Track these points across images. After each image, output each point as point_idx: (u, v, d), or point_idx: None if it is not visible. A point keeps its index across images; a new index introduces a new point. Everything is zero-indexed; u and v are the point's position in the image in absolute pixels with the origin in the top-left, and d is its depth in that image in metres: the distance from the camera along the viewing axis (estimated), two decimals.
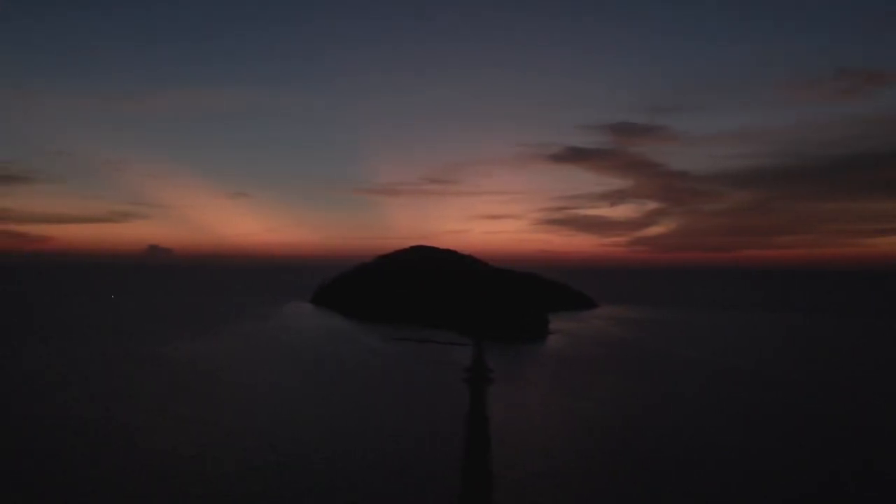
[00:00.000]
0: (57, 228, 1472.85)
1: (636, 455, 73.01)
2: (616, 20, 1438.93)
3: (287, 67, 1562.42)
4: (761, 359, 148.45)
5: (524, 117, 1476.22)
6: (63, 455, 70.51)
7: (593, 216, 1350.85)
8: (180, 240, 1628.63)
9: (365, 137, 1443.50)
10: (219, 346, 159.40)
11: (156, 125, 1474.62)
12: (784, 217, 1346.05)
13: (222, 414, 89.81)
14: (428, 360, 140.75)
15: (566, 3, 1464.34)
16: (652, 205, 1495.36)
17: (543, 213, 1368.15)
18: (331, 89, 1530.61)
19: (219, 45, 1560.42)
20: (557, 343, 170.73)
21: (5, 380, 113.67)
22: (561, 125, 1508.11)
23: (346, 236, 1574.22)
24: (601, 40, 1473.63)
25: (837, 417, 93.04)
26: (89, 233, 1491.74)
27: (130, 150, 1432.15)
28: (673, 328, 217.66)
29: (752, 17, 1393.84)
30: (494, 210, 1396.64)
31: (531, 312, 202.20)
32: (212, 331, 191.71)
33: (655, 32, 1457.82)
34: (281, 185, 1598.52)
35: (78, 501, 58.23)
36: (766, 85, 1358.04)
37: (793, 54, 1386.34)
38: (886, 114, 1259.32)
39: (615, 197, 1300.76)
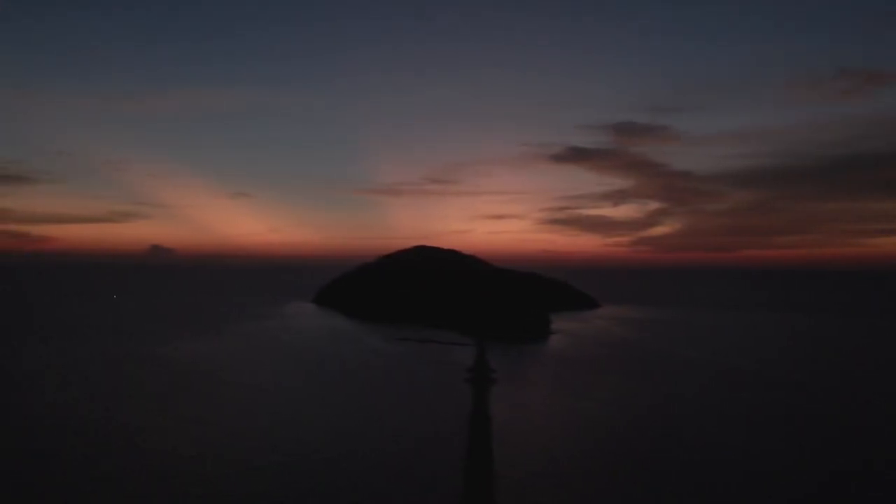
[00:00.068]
0: (58, 228, 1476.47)
1: (638, 455, 72.69)
2: (616, 20, 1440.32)
3: (287, 67, 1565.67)
4: (763, 359, 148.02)
5: (525, 117, 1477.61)
6: (63, 455, 70.31)
7: (595, 216, 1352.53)
8: (182, 240, 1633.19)
9: (365, 137, 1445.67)
10: (220, 346, 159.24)
11: (156, 125, 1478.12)
12: (786, 217, 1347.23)
13: (223, 414, 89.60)
14: (430, 360, 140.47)
15: (566, 3, 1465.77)
16: (654, 205, 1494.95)
17: (546, 213, 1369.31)
18: (331, 89, 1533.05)
19: (219, 45, 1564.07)
20: (559, 343, 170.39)
21: (5, 379, 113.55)
22: (562, 125, 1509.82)
23: (348, 236, 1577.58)
24: (601, 40, 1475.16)
25: (839, 418, 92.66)
26: (90, 233, 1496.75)
27: (131, 150, 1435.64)
28: (675, 328, 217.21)
29: (753, 17, 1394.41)
30: (497, 210, 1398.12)
31: (533, 312, 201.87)
32: (213, 331, 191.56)
33: (655, 32, 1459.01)
34: (282, 185, 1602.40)
35: (78, 501, 58.02)
36: (767, 85, 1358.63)
37: (793, 54, 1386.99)
38: (887, 114, 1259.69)
39: (617, 197, 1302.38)
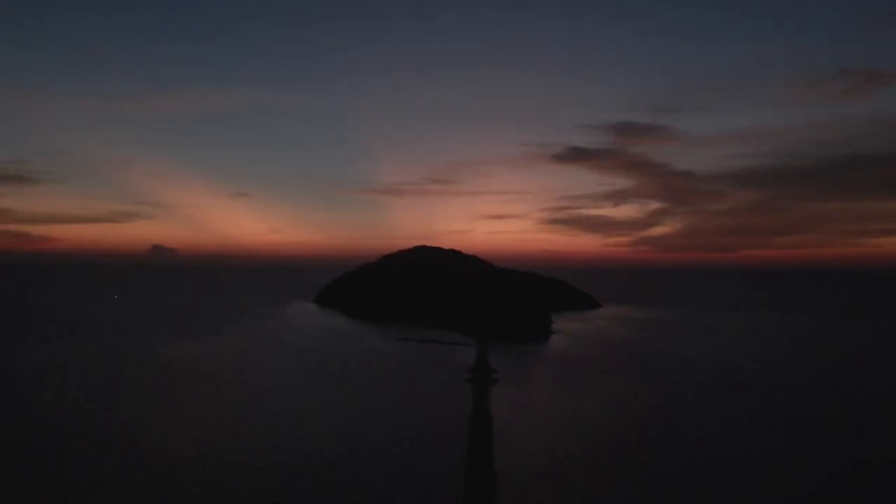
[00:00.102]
0: (59, 229, 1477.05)
1: (638, 455, 72.59)
2: (616, 20, 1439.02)
3: (287, 67, 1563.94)
4: (764, 359, 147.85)
5: (525, 117, 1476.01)
6: (63, 455, 70.28)
7: (596, 216, 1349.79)
8: (184, 240, 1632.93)
9: (366, 137, 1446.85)
10: (222, 346, 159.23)
11: (156, 125, 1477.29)
12: (787, 217, 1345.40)
13: (224, 414, 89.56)
14: (431, 360, 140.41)
15: (566, 3, 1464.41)
16: (655, 205, 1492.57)
17: (547, 213, 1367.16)
18: (331, 89, 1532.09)
19: (219, 45, 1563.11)
20: (561, 343, 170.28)
21: (6, 379, 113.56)
22: (562, 125, 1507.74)
23: (349, 236, 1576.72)
24: (601, 40, 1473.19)
25: (839, 418, 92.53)
26: (91, 233, 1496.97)
27: (131, 150, 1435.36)
28: (676, 328, 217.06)
29: (753, 17, 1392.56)
30: (497, 210, 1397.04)
31: (534, 312, 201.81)
32: (214, 331, 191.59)
33: (655, 32, 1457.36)
34: (282, 185, 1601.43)
35: (78, 501, 57.98)
36: (767, 85, 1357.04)
37: (793, 54, 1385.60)
38: (887, 114, 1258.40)
39: (618, 197, 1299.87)
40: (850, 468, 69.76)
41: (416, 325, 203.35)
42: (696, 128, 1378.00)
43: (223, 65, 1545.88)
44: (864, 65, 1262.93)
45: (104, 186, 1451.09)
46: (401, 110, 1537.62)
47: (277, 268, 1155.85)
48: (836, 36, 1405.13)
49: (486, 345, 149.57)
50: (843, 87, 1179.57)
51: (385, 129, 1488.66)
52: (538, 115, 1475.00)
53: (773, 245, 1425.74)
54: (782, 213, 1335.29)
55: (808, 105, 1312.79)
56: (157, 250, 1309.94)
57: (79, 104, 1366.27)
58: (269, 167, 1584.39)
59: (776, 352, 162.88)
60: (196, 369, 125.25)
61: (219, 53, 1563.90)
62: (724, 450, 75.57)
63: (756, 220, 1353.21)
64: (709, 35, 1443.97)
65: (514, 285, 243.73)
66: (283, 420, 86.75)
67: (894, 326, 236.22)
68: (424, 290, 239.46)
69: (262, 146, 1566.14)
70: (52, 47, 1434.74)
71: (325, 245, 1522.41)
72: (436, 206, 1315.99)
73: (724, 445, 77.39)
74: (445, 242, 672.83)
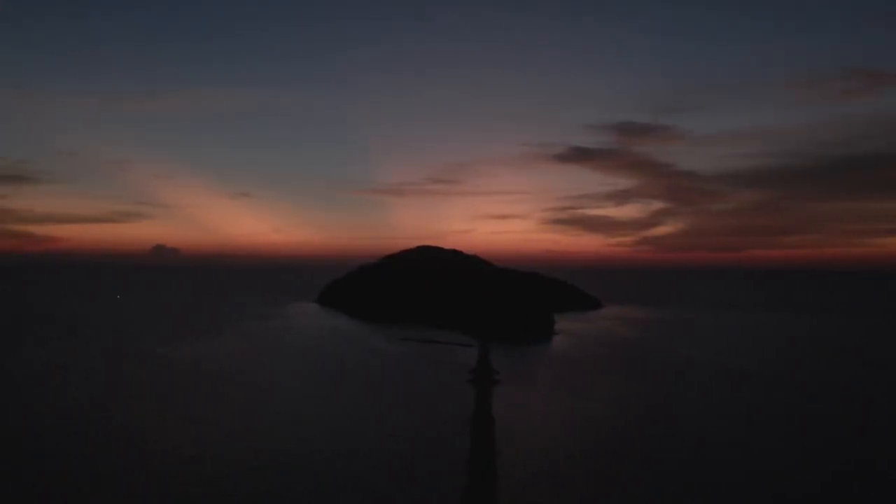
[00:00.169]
0: (61, 228, 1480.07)
1: (639, 455, 72.35)
2: (616, 20, 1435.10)
3: (287, 67, 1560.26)
4: (765, 359, 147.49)
5: (526, 117, 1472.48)
6: (63, 455, 70.17)
7: (599, 216, 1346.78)
8: (186, 240, 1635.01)
9: (366, 137, 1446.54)
10: (222, 345, 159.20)
11: (157, 125, 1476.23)
12: (790, 217, 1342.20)
13: (224, 414, 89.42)
14: (432, 360, 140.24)
15: (566, 3, 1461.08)
16: (658, 205, 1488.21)
17: (549, 213, 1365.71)
18: (331, 89, 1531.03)
19: (219, 45, 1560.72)
20: (563, 344, 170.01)
21: (6, 379, 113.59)
22: (564, 125, 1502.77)
23: (350, 236, 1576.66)
24: (602, 40, 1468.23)
25: (840, 418, 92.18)
26: (93, 233, 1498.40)
27: (132, 150, 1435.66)
28: (677, 328, 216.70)
29: (753, 17, 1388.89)
30: (499, 210, 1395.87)
31: (536, 313, 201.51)
32: (215, 331, 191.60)
33: (656, 32, 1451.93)
34: (283, 185, 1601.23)
35: (78, 501, 57.86)
36: (768, 85, 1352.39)
37: (794, 54, 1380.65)
38: (887, 114, 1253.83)
39: (620, 197, 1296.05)
40: (851, 468, 69.45)
41: (418, 326, 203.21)
42: (699, 127, 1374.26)
43: (223, 65, 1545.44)
44: (864, 65, 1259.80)
45: (105, 186, 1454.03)
46: (401, 110, 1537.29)
47: (279, 268, 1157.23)
48: (836, 36, 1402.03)
49: (488, 345, 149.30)
50: (843, 87, 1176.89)
51: (386, 129, 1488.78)
52: (539, 115, 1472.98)
53: (777, 245, 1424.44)
54: (787, 212, 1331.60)
55: (811, 105, 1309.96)
56: (160, 250, 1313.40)
57: (79, 104, 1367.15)
58: (269, 167, 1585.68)
59: (777, 352, 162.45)
60: (196, 369, 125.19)
61: (219, 53, 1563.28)
62: (725, 449, 75.29)
63: (760, 220, 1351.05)
64: (709, 35, 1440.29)
65: (515, 285, 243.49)
66: (283, 420, 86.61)
67: (895, 326, 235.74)
68: (426, 291, 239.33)
69: (263, 146, 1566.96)
70: (52, 47, 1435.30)
71: (326, 245, 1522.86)
72: (437, 206, 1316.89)
73: (725, 445, 77.10)
74: (447, 242, 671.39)
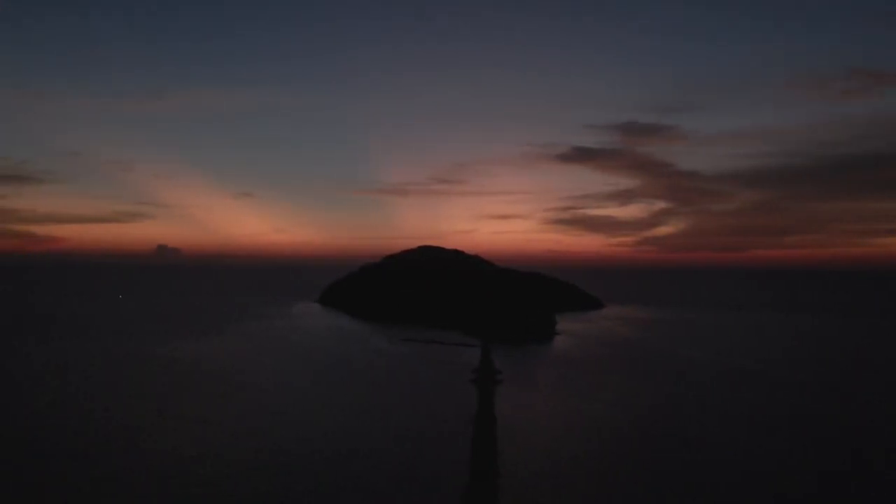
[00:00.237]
0: (63, 228, 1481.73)
1: (641, 455, 72.09)
2: (616, 20, 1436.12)
3: (287, 67, 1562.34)
4: (767, 359, 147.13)
5: (528, 117, 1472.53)
6: (63, 455, 70.01)
7: (600, 216, 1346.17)
8: (188, 240, 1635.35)
9: (367, 137, 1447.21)
10: (224, 345, 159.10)
11: (157, 125, 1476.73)
12: (792, 217, 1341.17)
13: (225, 414, 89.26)
14: (434, 360, 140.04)
15: (566, 3, 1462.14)
16: (660, 205, 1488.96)
17: (551, 213, 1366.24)
18: (331, 89, 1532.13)
19: (219, 45, 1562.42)
20: (564, 344, 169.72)
21: (7, 379, 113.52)
22: (566, 125, 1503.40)
23: (352, 236, 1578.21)
24: (602, 40, 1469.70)
25: (842, 418, 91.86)
26: (95, 233, 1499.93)
27: (133, 151, 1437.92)
28: (679, 328, 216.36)
29: (753, 17, 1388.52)
30: (502, 210, 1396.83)
31: (538, 313, 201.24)
32: (217, 331, 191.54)
33: (656, 32, 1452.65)
34: (285, 185, 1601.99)
35: (78, 501, 57.67)
36: (770, 85, 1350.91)
37: (794, 54, 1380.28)
38: (887, 114, 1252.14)
39: (623, 197, 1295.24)
40: (851, 468, 69.18)
41: (420, 326, 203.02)
42: (701, 127, 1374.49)
43: (223, 65, 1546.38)
44: (864, 65, 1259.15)
45: (106, 186, 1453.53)
46: (402, 110, 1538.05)
47: (281, 268, 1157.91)
48: (836, 36, 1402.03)
49: (490, 345, 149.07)
50: (843, 87, 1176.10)
51: (386, 129, 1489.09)
52: (540, 116, 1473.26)
53: (780, 245, 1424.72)
54: (789, 212, 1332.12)
55: (813, 105, 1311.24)
56: (162, 250, 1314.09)
57: (79, 104, 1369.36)
58: (271, 167, 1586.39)
59: (779, 352, 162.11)
60: (197, 369, 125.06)
61: (219, 53, 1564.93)
62: (727, 450, 75.00)
63: (762, 220, 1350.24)
64: (709, 35, 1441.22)
65: (517, 286, 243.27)
66: (283, 420, 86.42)
67: (895, 326, 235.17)
68: (428, 291, 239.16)
69: (264, 146, 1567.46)
70: (52, 47, 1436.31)
71: (327, 245, 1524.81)
72: (439, 206, 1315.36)
73: (726, 445, 76.81)
74: (449, 242, 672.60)
